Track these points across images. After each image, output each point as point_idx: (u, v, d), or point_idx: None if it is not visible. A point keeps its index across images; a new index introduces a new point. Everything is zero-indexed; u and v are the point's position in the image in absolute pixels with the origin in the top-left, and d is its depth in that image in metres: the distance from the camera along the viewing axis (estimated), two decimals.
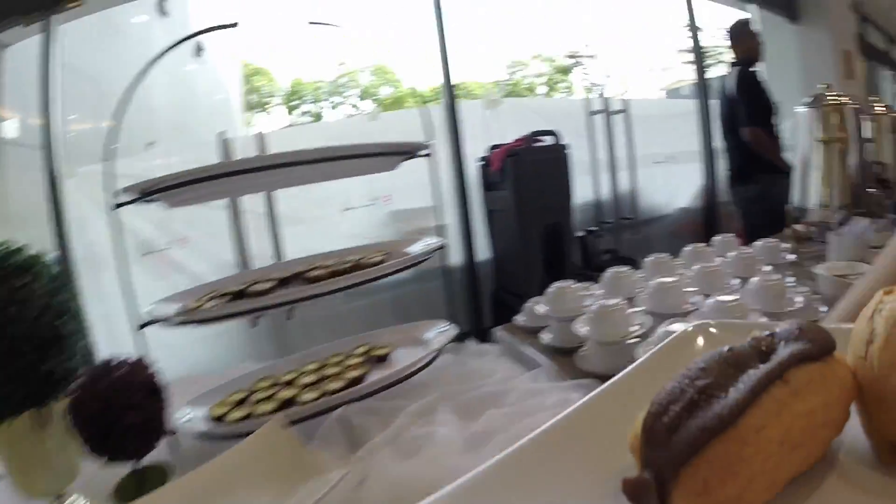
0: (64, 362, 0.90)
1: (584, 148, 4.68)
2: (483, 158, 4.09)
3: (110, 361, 0.99)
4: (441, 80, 4.10)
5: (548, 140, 3.99)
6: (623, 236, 4.81)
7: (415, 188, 4.05)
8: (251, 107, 18.16)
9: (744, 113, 3.85)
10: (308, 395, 1.14)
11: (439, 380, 1.24)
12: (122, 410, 0.93)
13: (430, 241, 1.37)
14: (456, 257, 4.14)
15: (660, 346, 0.64)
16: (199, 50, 11.10)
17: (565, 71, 15.49)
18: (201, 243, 4.01)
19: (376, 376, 1.20)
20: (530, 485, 0.45)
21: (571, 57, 14.96)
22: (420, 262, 1.28)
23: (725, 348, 0.46)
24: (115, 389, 0.94)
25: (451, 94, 4.10)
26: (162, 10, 8.71)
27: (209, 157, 3.53)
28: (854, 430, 0.46)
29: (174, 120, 9.40)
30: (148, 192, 1.12)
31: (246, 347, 3.90)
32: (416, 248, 1.37)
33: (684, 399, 0.41)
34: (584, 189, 4.65)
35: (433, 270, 3.95)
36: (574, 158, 4.34)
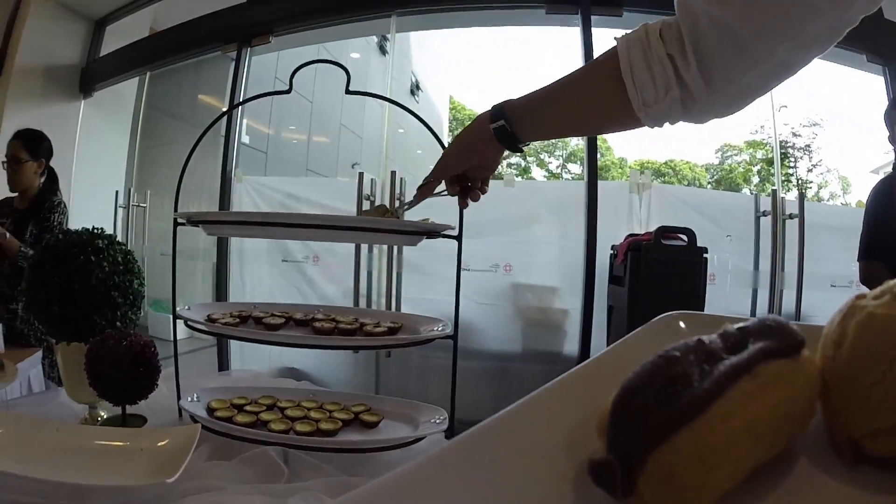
0: (110, 320, 1.34)
1: (747, 254, 4.23)
2: (613, 247, 3.80)
3: (127, 334, 1.23)
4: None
5: (684, 238, 3.47)
6: None
7: (542, 263, 4.14)
8: None
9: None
10: (277, 425, 1.27)
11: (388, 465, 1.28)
12: (108, 369, 1.19)
13: (441, 327, 1.40)
14: (572, 346, 4.03)
15: (632, 333, 0.67)
16: (415, 89, 11.80)
17: (772, 162, 15.08)
18: (329, 266, 4.39)
19: (345, 436, 1.30)
20: (497, 462, 0.46)
21: (781, 147, 14.45)
22: (412, 345, 1.36)
23: (696, 339, 0.46)
24: (110, 352, 1.19)
25: (593, 172, 3.98)
26: (382, 49, 9.40)
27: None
28: (817, 426, 0.48)
29: (380, 148, 10.15)
30: (192, 220, 1.33)
31: (349, 368, 4.26)
32: (426, 329, 1.41)
33: (654, 385, 0.42)
34: (738, 303, 4.23)
35: (550, 354, 4.07)
36: (732, 266, 4.06)
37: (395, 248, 3.92)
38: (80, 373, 1.22)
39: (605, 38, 4.14)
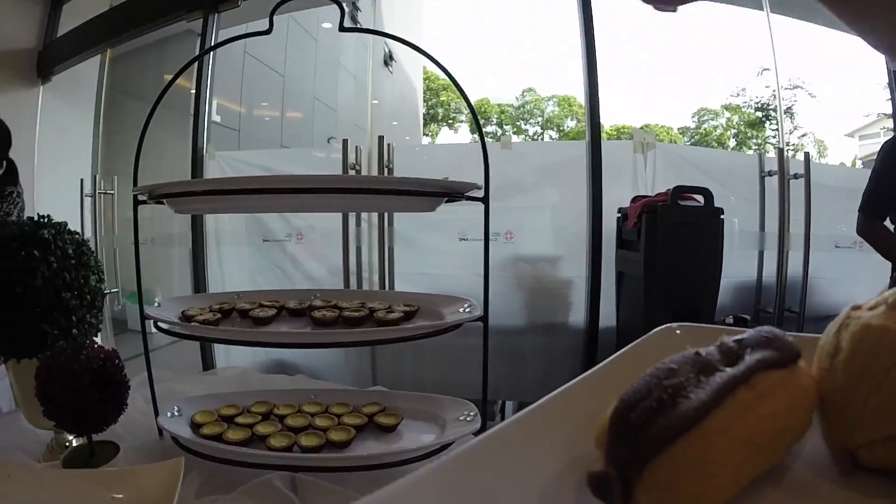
0: (64, 327, 1.09)
1: (751, 216, 4.11)
2: (621, 210, 3.58)
3: (83, 345, 0.98)
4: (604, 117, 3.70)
5: (699, 199, 3.26)
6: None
7: (545, 230, 3.98)
8: (436, 119, 19.01)
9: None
10: (278, 441, 1.06)
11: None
12: (61, 392, 0.93)
13: (468, 309, 1.18)
14: (579, 316, 3.82)
15: (630, 345, 0.67)
16: (388, 59, 11.62)
17: (753, 125, 15.03)
18: (315, 243, 4.16)
19: (361, 447, 1.08)
20: (496, 474, 0.45)
21: (760, 110, 14.54)
22: (438, 333, 1.12)
23: (693, 351, 0.47)
24: (63, 371, 0.93)
25: (596, 131, 3.69)
26: (354, 20, 9.20)
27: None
28: (814, 437, 0.48)
29: (355, 120, 9.93)
30: (155, 195, 1.10)
31: (340, 354, 4.02)
32: (450, 312, 1.20)
33: (652, 397, 0.43)
34: (744, 266, 4.14)
35: (556, 325, 3.92)
36: (734, 227, 3.89)
37: (386, 220, 3.68)
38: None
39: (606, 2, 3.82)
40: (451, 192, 1.09)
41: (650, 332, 0.70)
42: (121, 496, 0.87)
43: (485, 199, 1.10)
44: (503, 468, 0.46)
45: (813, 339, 0.52)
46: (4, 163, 2.72)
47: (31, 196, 4.62)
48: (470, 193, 1.10)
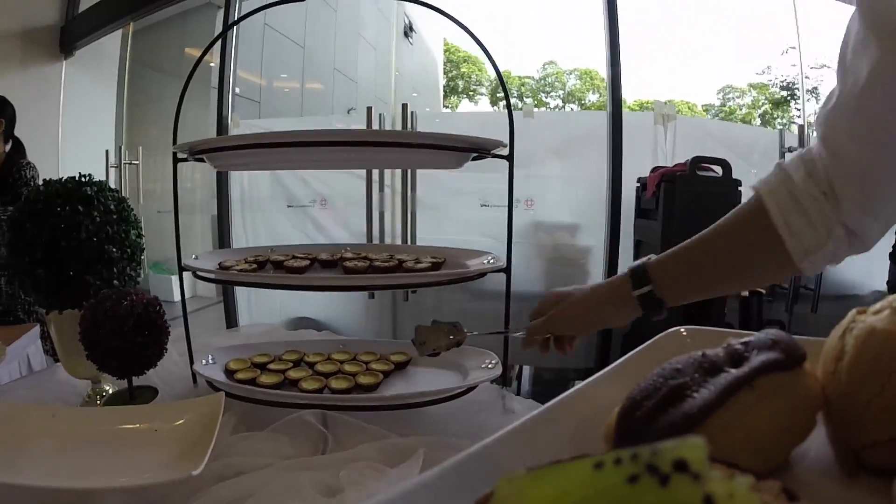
0: (106, 279, 1.13)
1: None
2: (640, 180, 3.61)
3: (127, 293, 1.02)
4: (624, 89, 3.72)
5: (717, 170, 3.29)
6: (797, 309, 4.16)
7: (565, 198, 3.96)
8: (456, 91, 18.77)
9: None
10: (309, 384, 1.11)
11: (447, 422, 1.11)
12: (107, 336, 0.98)
13: (492, 260, 1.23)
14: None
15: (639, 347, 0.69)
16: (408, 30, 11.56)
17: (778, 104, 14.84)
18: (338, 209, 4.21)
19: (388, 390, 1.13)
20: (505, 472, 0.41)
21: (785, 89, 14.37)
22: (463, 280, 1.16)
23: (700, 352, 0.49)
24: (108, 316, 0.98)
25: (617, 100, 3.70)
26: None
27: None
28: (819, 438, 0.49)
29: (375, 91, 9.84)
30: (196, 151, 1.13)
31: (361, 314, 4.10)
32: (474, 263, 1.23)
33: (657, 396, 0.45)
34: None
35: None
36: None
37: (409, 185, 3.70)
38: (78, 344, 1.02)
39: None
40: (479, 148, 1.12)
41: (659, 335, 0.73)
42: (161, 428, 0.90)
43: (510, 157, 1.14)
44: (512, 465, 0.43)
45: (819, 342, 0.54)
46: (11, 140, 2.78)
47: (55, 167, 4.68)
48: (495, 151, 1.13)
